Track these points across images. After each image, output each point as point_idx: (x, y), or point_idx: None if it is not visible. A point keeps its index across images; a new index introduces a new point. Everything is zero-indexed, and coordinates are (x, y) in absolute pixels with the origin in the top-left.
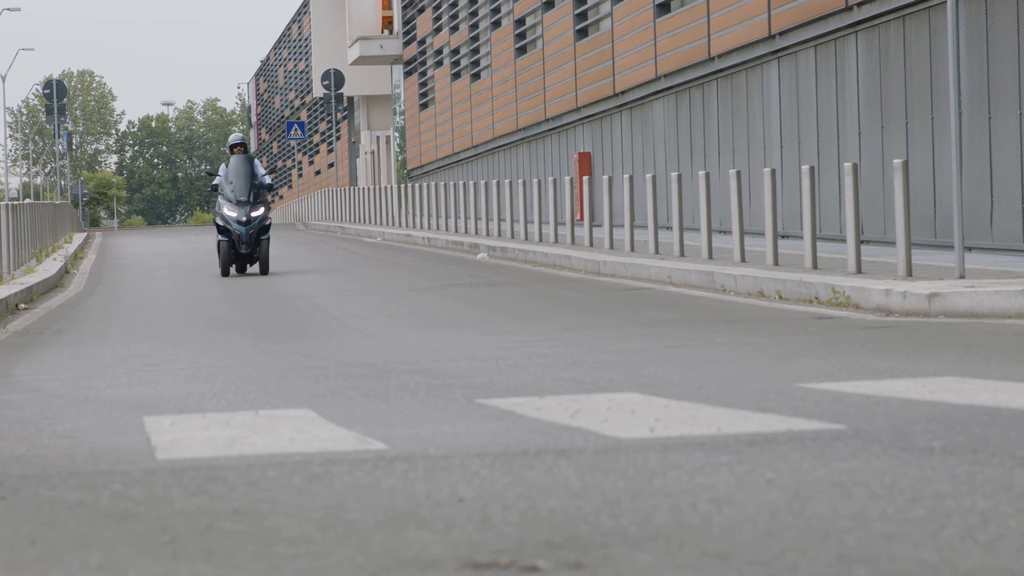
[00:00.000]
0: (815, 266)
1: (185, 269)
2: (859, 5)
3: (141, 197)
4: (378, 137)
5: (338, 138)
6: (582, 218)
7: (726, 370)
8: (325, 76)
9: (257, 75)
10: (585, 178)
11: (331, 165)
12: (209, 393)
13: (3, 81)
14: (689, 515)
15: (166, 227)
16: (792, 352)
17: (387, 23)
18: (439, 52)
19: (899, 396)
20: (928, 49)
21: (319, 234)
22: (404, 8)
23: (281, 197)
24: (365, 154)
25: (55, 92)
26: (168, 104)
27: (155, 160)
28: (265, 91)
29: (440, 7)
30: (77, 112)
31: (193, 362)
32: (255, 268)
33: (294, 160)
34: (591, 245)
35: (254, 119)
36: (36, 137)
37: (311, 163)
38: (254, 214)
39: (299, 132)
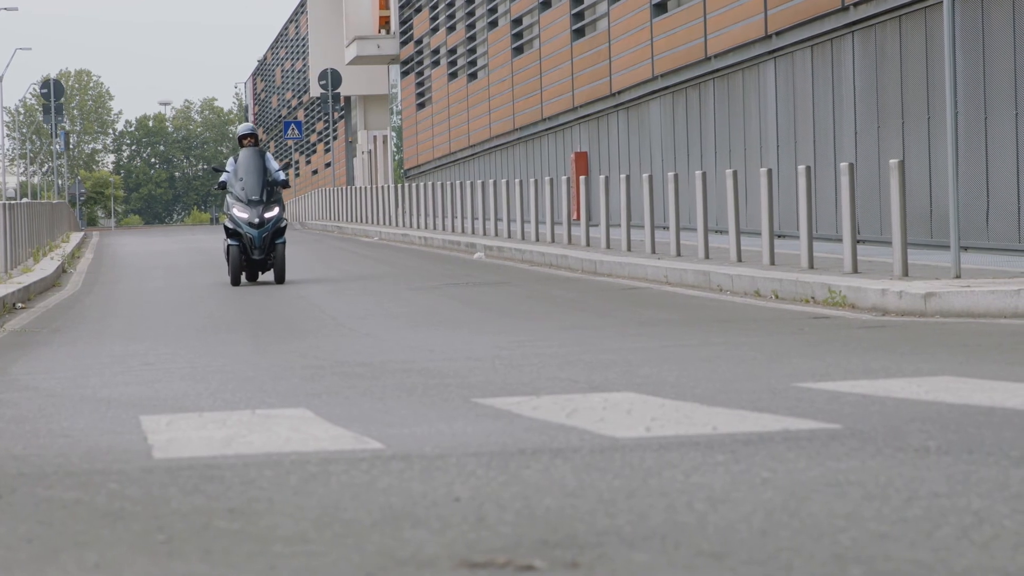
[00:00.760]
0: (811, 266)
1: (182, 268)
2: (855, 5)
3: (138, 197)
4: (375, 137)
5: (335, 138)
6: (579, 218)
7: (722, 370)
8: (322, 76)
9: (254, 75)
10: (582, 178)
11: (328, 165)
12: (206, 392)
13: (0, 81)
14: (685, 514)
15: (163, 227)
16: (788, 352)
17: (384, 23)
18: (436, 52)
19: (895, 396)
20: (924, 49)
21: (316, 234)
22: (401, 8)
23: None
24: (362, 154)
25: (52, 91)
26: (165, 104)
27: (152, 160)
28: (262, 91)
29: (437, 7)
30: (74, 111)
31: (190, 361)
32: (268, 275)
33: (291, 160)
34: (588, 245)
35: (251, 119)
36: (33, 136)
37: (308, 163)
38: (268, 215)
39: (296, 132)
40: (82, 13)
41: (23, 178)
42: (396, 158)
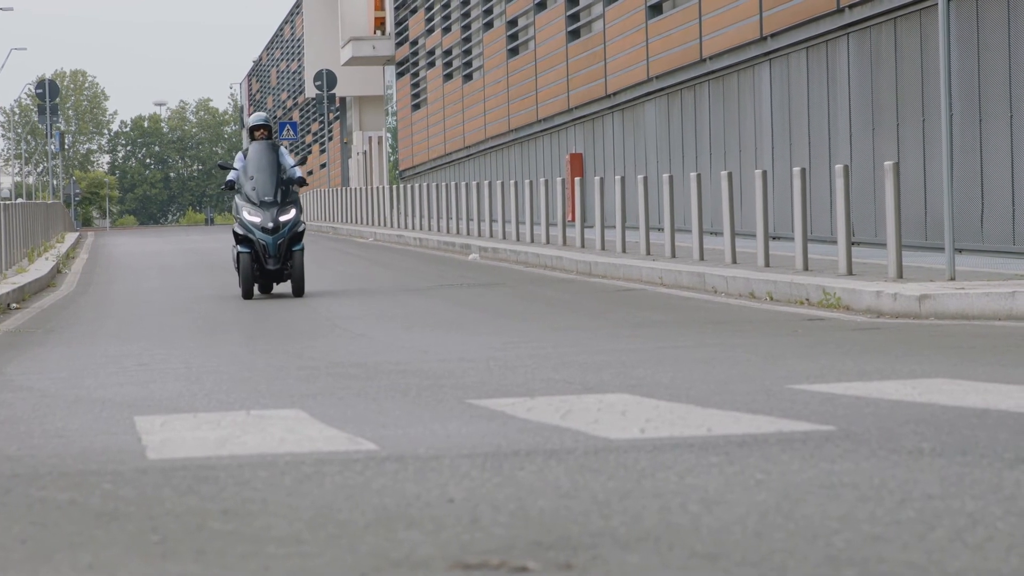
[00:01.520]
0: (806, 268)
1: (177, 269)
2: (850, 7)
3: (133, 197)
4: (370, 138)
5: (330, 138)
6: (574, 219)
7: (716, 371)
8: (317, 76)
9: (250, 75)
10: (577, 179)
11: (323, 166)
12: (200, 393)
13: None
14: (679, 516)
15: (158, 227)
16: (782, 353)
17: (379, 24)
18: (431, 53)
19: (889, 397)
20: (919, 51)
21: (311, 234)
22: (396, 9)
23: None
24: (357, 155)
25: (47, 92)
26: (160, 104)
27: (147, 160)
28: (257, 91)
29: (432, 8)
30: (69, 112)
31: (184, 362)
32: (284, 287)
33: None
34: (582, 246)
35: (246, 119)
36: (28, 137)
37: (303, 163)
38: (283, 218)
39: (291, 132)
40: (78, 13)
41: (18, 178)
42: (391, 159)
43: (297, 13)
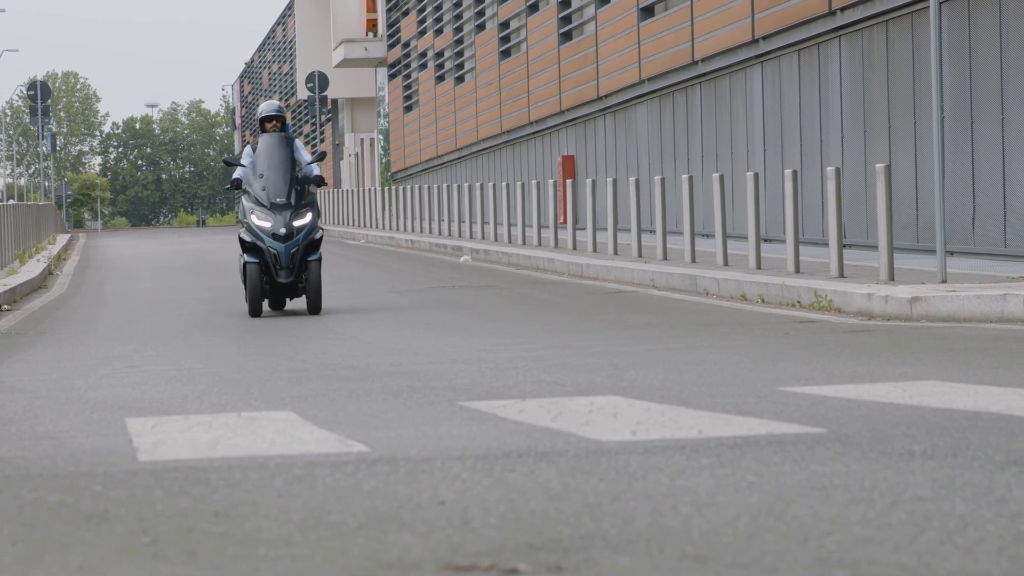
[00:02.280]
0: (797, 270)
1: (168, 271)
2: (842, 10)
3: (125, 199)
4: (362, 139)
5: (322, 140)
6: (565, 221)
7: (708, 373)
8: (309, 78)
9: (241, 77)
10: (569, 181)
11: None
12: (191, 395)
13: None
14: (670, 518)
15: (150, 229)
16: (774, 356)
17: (371, 26)
18: (423, 55)
19: (880, 400)
20: (911, 54)
21: None
22: (388, 11)
23: None
24: (349, 156)
25: (39, 93)
26: (152, 106)
27: (139, 162)
28: (249, 93)
29: (424, 10)
30: (61, 113)
31: (176, 364)
32: (298, 302)
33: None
34: (574, 248)
35: (238, 121)
36: (20, 138)
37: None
38: (298, 223)
39: None
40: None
41: (9, 180)
42: (383, 161)
43: (289, 15)
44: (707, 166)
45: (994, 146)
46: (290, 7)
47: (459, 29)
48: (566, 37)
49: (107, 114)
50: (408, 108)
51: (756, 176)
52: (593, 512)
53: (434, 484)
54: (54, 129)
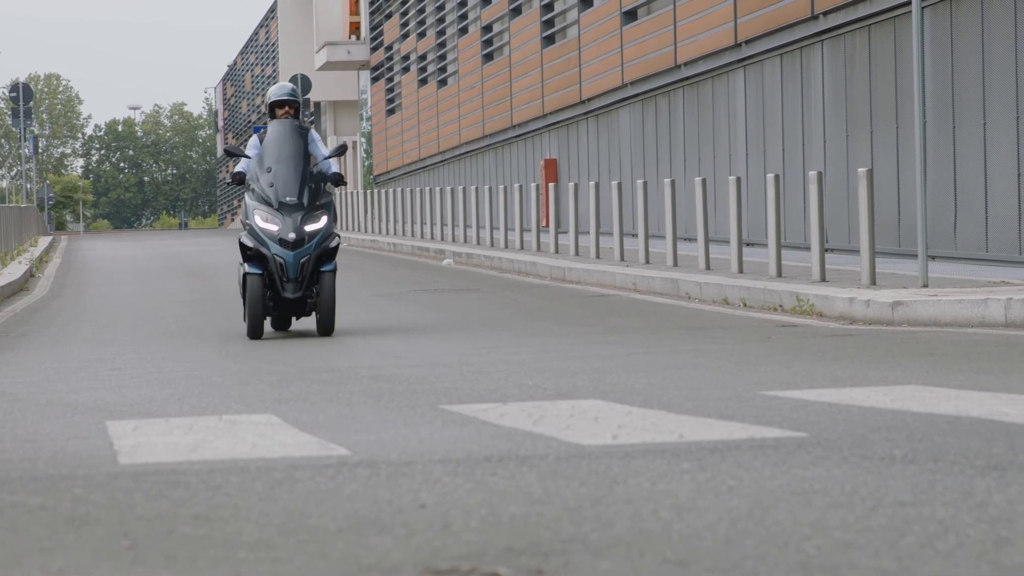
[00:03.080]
0: (780, 274)
1: (150, 273)
2: (825, 14)
3: (107, 201)
4: (344, 142)
5: None
6: (548, 225)
7: (689, 377)
8: (292, 81)
9: (224, 79)
10: (551, 185)
11: None
12: (172, 398)
13: None
14: (650, 522)
15: (132, 231)
16: (755, 360)
17: (354, 29)
18: (406, 58)
19: (861, 404)
20: (893, 58)
21: None
22: (371, 14)
23: None
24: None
25: (21, 95)
26: (135, 108)
27: (121, 164)
28: (232, 96)
29: (407, 13)
30: (43, 115)
31: (157, 366)
32: (304, 322)
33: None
34: (557, 252)
35: (221, 124)
36: (2, 140)
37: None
38: (311, 227)
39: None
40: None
41: None
42: (366, 164)
43: (272, 18)
44: (689, 170)
45: (976, 150)
46: (273, 10)
47: (442, 32)
48: (549, 41)
49: (89, 116)
50: (391, 111)
51: (738, 180)
52: (574, 516)
53: (415, 488)
54: (36, 131)
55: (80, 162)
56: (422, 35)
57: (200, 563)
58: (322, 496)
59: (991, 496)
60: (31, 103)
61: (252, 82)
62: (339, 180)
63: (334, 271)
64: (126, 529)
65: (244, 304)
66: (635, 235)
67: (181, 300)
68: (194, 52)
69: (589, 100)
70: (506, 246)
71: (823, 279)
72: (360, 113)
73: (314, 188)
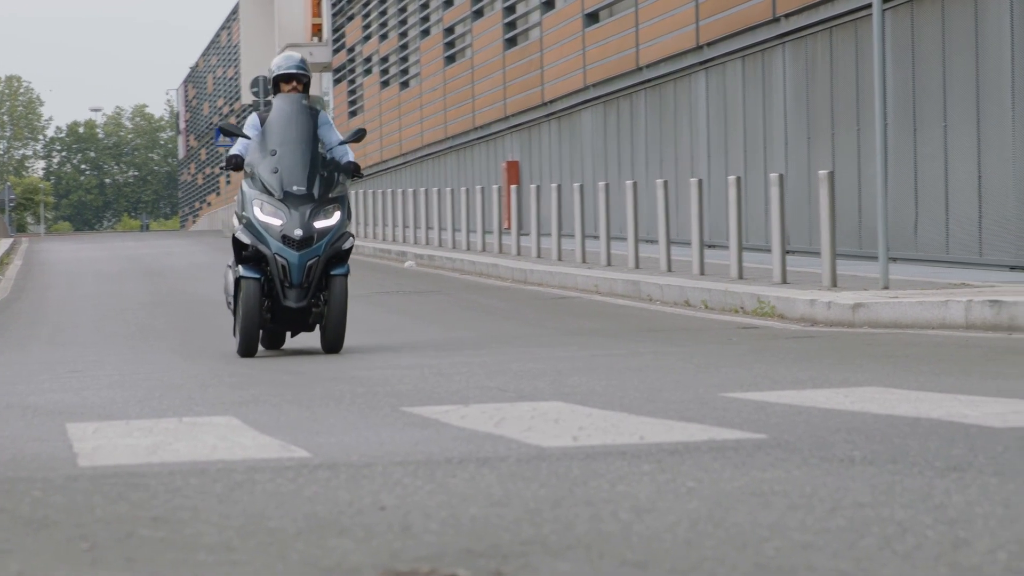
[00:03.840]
0: (741, 276)
1: (112, 276)
2: (787, 17)
3: (68, 203)
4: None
5: None
6: (510, 226)
7: (650, 379)
8: (254, 83)
9: (186, 81)
10: (513, 187)
11: None
12: (133, 400)
13: None
14: (610, 524)
15: (93, 233)
16: (716, 361)
17: (316, 31)
18: (368, 60)
19: (821, 406)
20: (855, 61)
21: None
22: (334, 16)
23: (209, 204)
24: None
25: None
26: (96, 110)
27: (83, 166)
28: (194, 97)
29: (369, 15)
30: (4, 117)
31: (118, 368)
32: (305, 337)
33: (223, 167)
34: (518, 254)
35: (182, 125)
36: None
37: (240, 170)
38: (321, 224)
39: (227, 138)
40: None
41: None
42: None
43: (234, 19)
44: (651, 172)
45: (937, 153)
46: (235, 11)
47: (404, 34)
48: (511, 43)
49: (51, 118)
50: (353, 113)
51: (700, 182)
52: (533, 518)
53: (375, 490)
54: None
55: (41, 164)
56: (384, 37)
57: (159, 565)
58: (282, 498)
59: (950, 497)
60: None
61: (214, 84)
62: (355, 170)
63: (346, 275)
64: (85, 531)
65: (234, 315)
66: (597, 237)
67: (142, 302)
68: (156, 53)
69: (551, 102)
70: (468, 248)
71: (784, 281)
72: None
73: (326, 177)
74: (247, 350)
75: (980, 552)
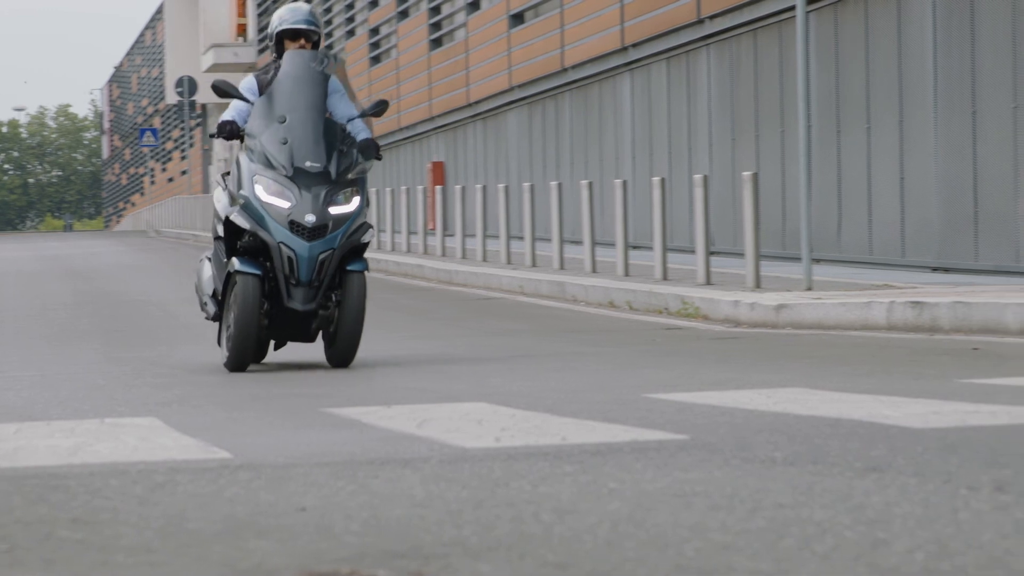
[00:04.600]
0: (665, 277)
1: (34, 276)
2: (711, 18)
3: None
4: (232, 144)
5: (191, 145)
6: (434, 227)
7: (573, 380)
8: (179, 83)
9: (110, 81)
10: (438, 187)
11: (184, 172)
12: (55, 401)
13: None
14: (531, 525)
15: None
16: (639, 362)
17: (241, 30)
18: None
19: (744, 407)
20: (779, 62)
21: (171, 242)
22: (259, 16)
23: (133, 204)
24: (218, 161)
25: None
26: (20, 110)
27: (6, 166)
28: (118, 97)
29: None
30: None
31: (40, 369)
32: (306, 347)
33: (147, 167)
34: (443, 255)
35: (107, 125)
36: None
37: (164, 170)
38: (338, 210)
39: (152, 139)
40: None
41: None
42: None
43: (159, 19)
44: (576, 173)
45: (860, 154)
46: (160, 11)
47: (329, 35)
48: (436, 43)
49: None
50: None
51: (624, 183)
52: (455, 519)
53: (296, 491)
54: None
55: None
56: None
57: (78, 567)
58: (202, 499)
59: (869, 498)
60: None
61: (138, 84)
62: (374, 150)
63: (364, 271)
64: (4, 532)
65: (218, 320)
66: (522, 238)
67: (65, 303)
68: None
69: (477, 103)
70: (393, 249)
71: (708, 282)
72: None
73: (344, 153)
74: (239, 362)
75: (898, 552)
